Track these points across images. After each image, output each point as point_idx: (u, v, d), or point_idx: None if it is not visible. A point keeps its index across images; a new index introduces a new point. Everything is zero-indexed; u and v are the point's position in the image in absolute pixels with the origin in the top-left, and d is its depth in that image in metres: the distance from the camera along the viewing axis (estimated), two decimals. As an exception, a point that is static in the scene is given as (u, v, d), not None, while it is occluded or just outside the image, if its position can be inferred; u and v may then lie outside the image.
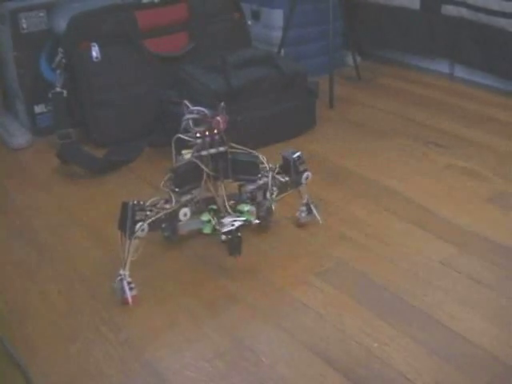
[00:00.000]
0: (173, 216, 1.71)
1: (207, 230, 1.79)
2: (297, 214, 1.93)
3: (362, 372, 1.40)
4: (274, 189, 1.83)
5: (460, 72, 3.22)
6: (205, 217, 1.79)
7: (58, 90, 2.45)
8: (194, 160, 1.71)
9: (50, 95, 2.45)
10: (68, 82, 2.47)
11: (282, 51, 3.07)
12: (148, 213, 1.64)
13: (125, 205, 1.61)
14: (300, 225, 1.94)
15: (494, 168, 2.28)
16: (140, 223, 1.60)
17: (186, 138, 1.71)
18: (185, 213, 1.72)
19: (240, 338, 1.52)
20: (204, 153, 1.71)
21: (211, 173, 1.73)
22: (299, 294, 1.66)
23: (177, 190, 1.70)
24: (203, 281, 1.73)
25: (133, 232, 1.59)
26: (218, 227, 1.72)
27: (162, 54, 2.58)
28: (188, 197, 1.73)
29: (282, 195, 1.86)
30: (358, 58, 3.28)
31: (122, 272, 1.61)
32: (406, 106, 2.90)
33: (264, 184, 1.82)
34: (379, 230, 1.92)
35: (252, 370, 1.42)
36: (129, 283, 1.61)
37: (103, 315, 1.60)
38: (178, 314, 1.60)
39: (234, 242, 1.68)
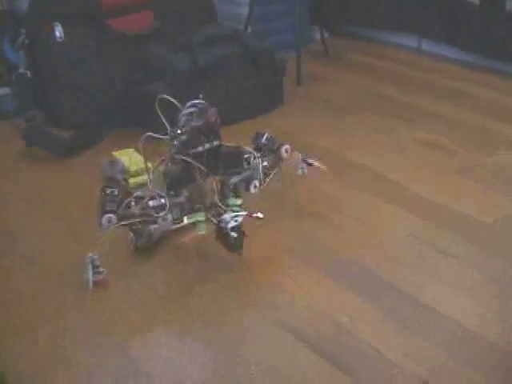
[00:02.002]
0: (151, 221, 1.65)
1: (202, 229, 1.69)
2: (298, 172, 1.89)
3: (332, 346, 1.40)
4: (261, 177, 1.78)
5: (427, 46, 3.23)
6: (199, 216, 1.69)
7: (22, 71, 2.41)
8: (188, 159, 1.61)
9: (13, 77, 2.41)
10: (32, 63, 2.44)
11: (249, 28, 3.04)
12: (132, 203, 1.60)
13: (100, 191, 1.58)
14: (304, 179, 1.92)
15: (462, 141, 2.29)
16: (108, 215, 1.56)
17: (156, 136, 1.62)
18: (165, 218, 1.64)
19: (211, 317, 1.51)
20: (200, 148, 1.63)
21: (205, 170, 1.64)
22: (270, 272, 1.66)
23: (172, 193, 1.64)
24: (173, 261, 1.72)
25: (100, 221, 1.57)
26: (220, 224, 1.61)
27: (127, 33, 2.54)
28: (181, 199, 1.67)
29: (267, 180, 1.80)
30: (326, 34, 3.27)
31: (89, 255, 1.59)
32: (374, 81, 2.90)
33: (248, 176, 1.76)
34: (348, 205, 1.92)
35: (224, 348, 1.42)
36: (96, 267, 1.59)
37: (72, 299, 1.58)
38: (148, 295, 1.60)
39: (238, 239, 1.62)
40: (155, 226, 1.69)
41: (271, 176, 1.82)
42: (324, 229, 1.82)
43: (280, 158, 1.84)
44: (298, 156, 1.88)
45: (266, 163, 1.80)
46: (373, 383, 1.31)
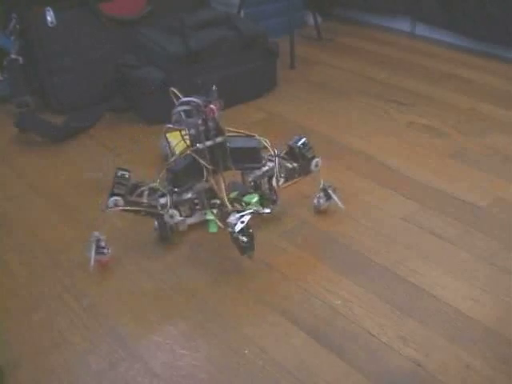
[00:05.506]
0: (154, 214, 1.65)
1: (213, 228, 1.63)
2: (314, 200, 1.82)
3: (326, 330, 1.41)
4: (282, 175, 1.72)
5: (421, 30, 3.22)
6: (209, 215, 1.65)
7: (13, 56, 2.39)
8: (193, 155, 1.57)
9: (4, 62, 2.39)
10: (23, 48, 2.42)
11: (242, 12, 3.03)
12: (146, 192, 1.59)
13: (115, 172, 1.58)
14: (319, 212, 1.82)
15: (455, 125, 2.29)
16: (115, 198, 1.56)
17: (176, 128, 1.59)
18: (171, 215, 1.63)
19: (204, 300, 1.51)
20: (200, 146, 1.57)
21: (210, 167, 1.59)
22: (263, 254, 1.65)
23: (176, 190, 1.62)
24: (167, 246, 1.72)
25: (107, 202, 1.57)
26: (228, 228, 1.55)
27: (119, 17, 2.52)
28: (188, 195, 1.64)
29: (290, 182, 1.76)
30: (319, 18, 3.25)
31: (95, 233, 1.59)
32: (368, 64, 2.89)
33: (269, 171, 1.71)
34: (341, 188, 1.91)
35: (217, 331, 1.42)
36: (101, 247, 1.59)
37: (66, 283, 1.59)
38: (142, 279, 1.60)
39: (249, 242, 1.54)
40: (172, 221, 1.67)
41: (294, 181, 1.76)
42: (317, 212, 1.81)
43: (308, 170, 1.77)
44: (320, 182, 1.79)
45: (292, 165, 1.75)
46: (367, 366, 1.31)
